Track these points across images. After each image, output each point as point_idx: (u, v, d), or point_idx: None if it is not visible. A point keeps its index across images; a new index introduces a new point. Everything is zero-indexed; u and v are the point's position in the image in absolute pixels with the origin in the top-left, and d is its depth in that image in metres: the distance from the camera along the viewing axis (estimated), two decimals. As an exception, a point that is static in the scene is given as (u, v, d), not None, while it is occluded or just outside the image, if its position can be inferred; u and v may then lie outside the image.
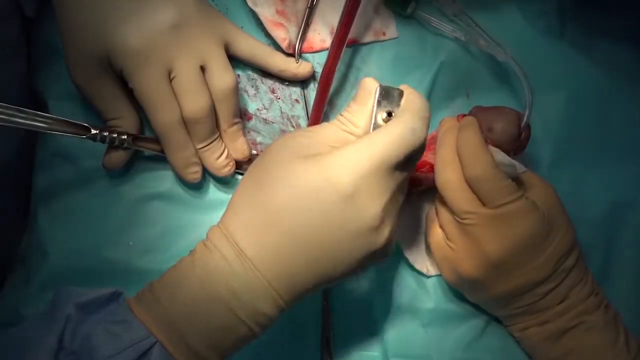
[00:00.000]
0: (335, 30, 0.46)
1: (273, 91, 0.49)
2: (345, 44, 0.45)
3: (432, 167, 0.45)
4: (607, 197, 0.51)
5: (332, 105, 0.50)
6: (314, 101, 0.46)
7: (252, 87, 0.49)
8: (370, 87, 0.38)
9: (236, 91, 0.45)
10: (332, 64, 0.45)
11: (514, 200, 0.41)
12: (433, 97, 0.51)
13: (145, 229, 0.46)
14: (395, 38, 0.51)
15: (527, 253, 0.42)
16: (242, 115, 0.48)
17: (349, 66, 0.50)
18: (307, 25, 0.50)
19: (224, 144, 0.46)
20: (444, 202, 0.44)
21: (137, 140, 0.45)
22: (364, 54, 0.50)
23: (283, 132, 0.49)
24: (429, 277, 0.48)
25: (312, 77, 0.49)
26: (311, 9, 0.49)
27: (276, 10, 0.49)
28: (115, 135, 0.43)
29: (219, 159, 0.45)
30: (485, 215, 0.41)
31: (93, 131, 0.43)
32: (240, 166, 0.47)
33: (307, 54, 0.50)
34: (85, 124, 0.42)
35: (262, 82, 0.49)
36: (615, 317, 0.44)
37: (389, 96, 0.37)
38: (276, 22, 0.48)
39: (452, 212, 0.43)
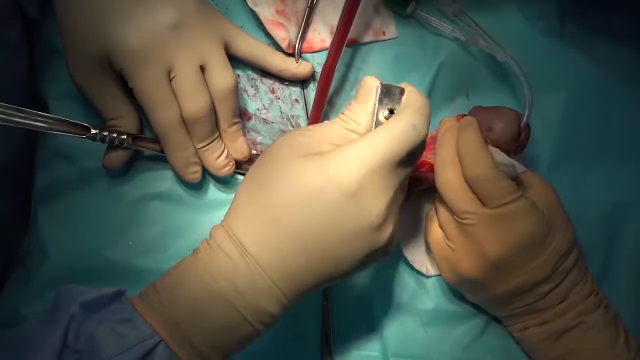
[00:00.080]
0: (335, 30, 0.46)
1: (273, 91, 0.49)
2: (345, 43, 0.45)
3: (431, 167, 0.45)
4: (607, 197, 0.51)
5: (332, 105, 0.50)
6: (314, 101, 0.46)
7: (252, 87, 0.49)
8: (371, 85, 0.38)
9: (236, 91, 0.45)
10: (331, 63, 0.45)
11: (513, 200, 0.41)
12: (433, 97, 0.51)
13: (145, 229, 0.46)
14: (395, 38, 0.51)
15: (526, 253, 0.42)
16: (241, 115, 0.48)
17: (349, 66, 0.50)
18: (307, 25, 0.50)
19: (223, 144, 0.46)
20: (443, 202, 0.44)
21: (137, 140, 0.45)
22: (363, 54, 0.51)
23: (283, 132, 0.49)
24: (428, 277, 0.48)
25: (312, 76, 0.49)
26: (311, 9, 0.49)
27: (276, 10, 0.49)
28: (115, 135, 0.43)
29: (219, 158, 0.45)
30: (485, 215, 0.41)
31: (93, 131, 0.43)
32: (240, 166, 0.47)
33: (307, 54, 0.50)
34: (85, 124, 0.42)
35: (262, 82, 0.49)
36: (615, 317, 0.44)
37: (390, 94, 0.38)
38: (276, 21, 0.48)
39: (452, 212, 0.43)
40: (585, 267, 0.45)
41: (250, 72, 0.49)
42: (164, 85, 0.42)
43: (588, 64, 0.53)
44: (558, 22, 0.53)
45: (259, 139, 0.49)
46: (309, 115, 0.48)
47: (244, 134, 0.47)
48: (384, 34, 0.51)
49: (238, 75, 0.49)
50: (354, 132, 0.37)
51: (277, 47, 0.49)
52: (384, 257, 0.37)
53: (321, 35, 0.50)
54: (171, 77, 0.42)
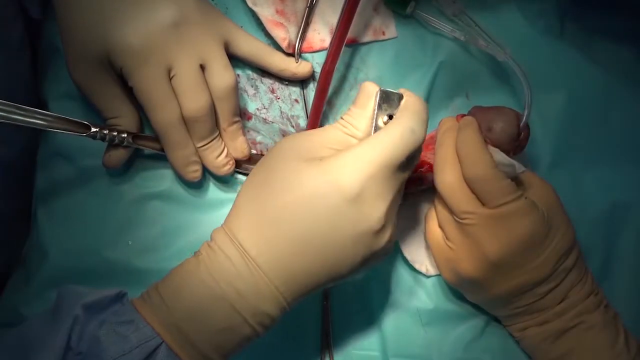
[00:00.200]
0: (334, 30, 0.46)
1: (273, 91, 0.49)
2: (345, 43, 0.45)
3: (431, 167, 0.45)
4: (607, 197, 0.51)
5: (331, 105, 0.50)
6: (313, 101, 0.46)
7: (252, 86, 0.49)
8: (370, 91, 0.39)
9: (236, 90, 0.45)
10: (331, 63, 0.45)
11: (513, 200, 0.41)
12: (432, 97, 0.51)
13: (145, 229, 0.46)
14: (394, 38, 0.51)
15: (526, 253, 0.42)
16: (241, 114, 0.48)
17: (348, 66, 0.50)
18: (306, 24, 0.50)
19: (223, 143, 0.46)
20: (443, 202, 0.44)
21: (137, 138, 0.45)
22: (363, 54, 0.51)
23: (283, 131, 0.49)
24: (428, 277, 0.48)
25: (311, 76, 0.49)
26: (311, 9, 0.50)
27: (276, 10, 0.49)
28: (115, 133, 0.44)
29: (219, 157, 0.45)
30: (484, 215, 0.41)
31: (93, 129, 0.43)
32: (240, 165, 0.47)
33: (307, 54, 0.50)
34: (85, 122, 0.42)
35: (262, 82, 0.49)
36: (615, 317, 0.44)
37: (389, 99, 0.38)
38: (276, 21, 0.48)
39: (452, 212, 0.43)
40: (585, 267, 0.45)
41: (250, 72, 0.49)
42: (164, 84, 0.42)
43: (588, 64, 0.53)
44: (558, 22, 0.53)
45: (258, 138, 0.49)
46: (308, 115, 0.48)
47: (244, 133, 0.47)
48: (383, 33, 0.51)
49: (238, 75, 0.49)
50: (353, 136, 0.38)
51: (277, 47, 0.49)
52: (383, 259, 0.38)
53: (321, 35, 0.50)
54: (171, 76, 0.43)
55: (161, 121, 0.43)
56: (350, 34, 0.46)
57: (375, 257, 0.37)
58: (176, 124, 0.43)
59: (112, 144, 0.44)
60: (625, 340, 0.43)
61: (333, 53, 0.44)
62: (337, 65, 0.45)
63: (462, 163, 0.42)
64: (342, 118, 0.39)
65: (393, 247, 0.38)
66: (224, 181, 0.48)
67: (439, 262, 0.46)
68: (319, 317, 0.47)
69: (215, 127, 0.45)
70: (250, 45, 0.47)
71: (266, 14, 0.48)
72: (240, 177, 0.48)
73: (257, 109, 0.49)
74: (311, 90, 0.50)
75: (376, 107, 0.38)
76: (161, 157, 0.46)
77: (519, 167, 0.42)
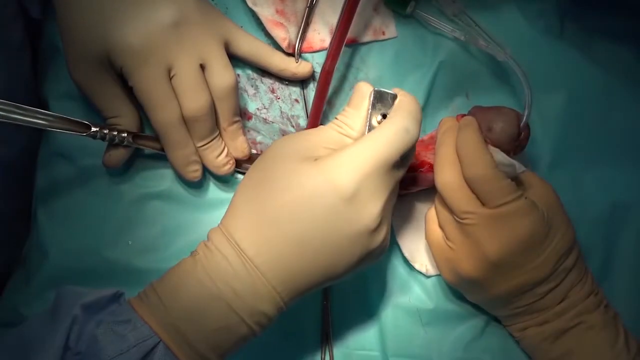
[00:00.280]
0: (334, 30, 0.46)
1: (273, 91, 0.50)
2: (345, 43, 0.45)
3: (431, 167, 0.45)
4: (607, 197, 0.51)
5: (331, 105, 0.50)
6: (313, 100, 0.46)
7: (252, 86, 0.49)
8: (364, 91, 0.39)
9: (236, 90, 0.45)
10: (331, 62, 0.45)
11: (513, 200, 0.41)
12: (432, 97, 0.51)
13: (145, 228, 0.46)
14: (394, 37, 0.51)
15: (526, 253, 0.42)
16: (242, 114, 0.48)
17: (348, 66, 0.50)
18: (306, 24, 0.50)
19: (223, 143, 0.46)
20: (443, 202, 0.44)
21: (137, 138, 0.45)
22: (363, 54, 0.51)
23: (283, 131, 0.49)
24: (428, 277, 0.48)
25: (311, 76, 0.49)
26: (311, 9, 0.50)
27: (276, 10, 0.49)
28: (115, 133, 0.44)
29: (219, 157, 0.45)
30: (484, 215, 0.41)
31: (93, 129, 0.43)
32: (240, 165, 0.47)
33: (307, 54, 0.50)
34: (85, 122, 0.42)
35: (262, 82, 0.49)
36: (615, 317, 0.44)
37: (382, 99, 0.39)
38: (276, 21, 0.48)
39: (452, 212, 0.43)
40: (585, 267, 0.45)
41: (250, 72, 0.49)
42: (164, 83, 0.42)
43: (588, 64, 0.53)
44: (558, 22, 0.53)
45: (259, 138, 0.49)
46: (308, 115, 0.48)
47: (244, 133, 0.47)
48: (383, 33, 0.51)
49: (238, 75, 0.49)
50: (348, 136, 0.38)
51: (277, 47, 0.49)
52: (379, 258, 0.38)
53: (321, 35, 0.50)
54: (171, 75, 0.43)
55: (161, 121, 0.43)
56: (350, 34, 0.46)
57: (371, 256, 0.37)
58: (176, 123, 0.43)
59: (112, 144, 0.44)
60: (625, 340, 0.43)
61: (333, 53, 0.44)
62: (337, 65, 0.45)
63: (462, 163, 0.42)
64: (336, 118, 0.39)
65: (388, 246, 0.39)
66: (224, 181, 0.48)
67: (439, 262, 0.46)
68: (319, 317, 0.47)
69: (215, 127, 0.45)
70: (251, 45, 0.47)
71: (266, 14, 0.48)
72: (240, 176, 0.48)
73: (257, 108, 0.49)
74: (311, 90, 0.50)
75: (370, 107, 0.39)
76: (161, 157, 0.46)
77: (519, 167, 0.42)
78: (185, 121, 0.43)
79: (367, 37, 0.50)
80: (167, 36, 0.42)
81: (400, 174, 0.38)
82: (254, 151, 0.48)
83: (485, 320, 0.48)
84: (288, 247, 0.35)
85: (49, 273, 0.46)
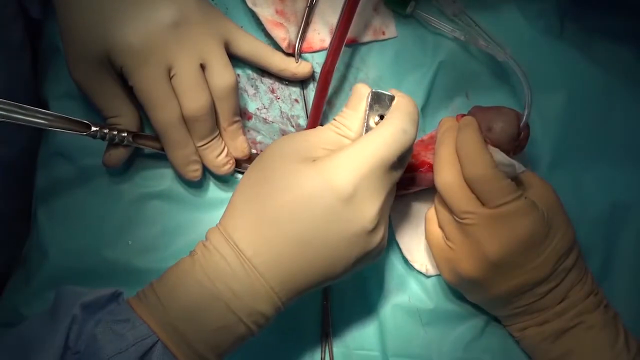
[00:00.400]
0: (334, 30, 0.46)
1: (273, 91, 0.50)
2: (345, 43, 0.45)
3: (431, 167, 0.45)
4: (607, 197, 0.51)
5: (331, 105, 0.50)
6: (313, 101, 0.46)
7: (252, 86, 0.49)
8: (362, 93, 0.39)
9: (236, 89, 0.45)
10: (331, 62, 0.45)
11: (513, 200, 0.41)
12: (432, 97, 0.51)
13: (145, 228, 0.46)
14: (394, 37, 0.51)
15: (526, 253, 0.42)
16: (242, 114, 0.48)
17: (348, 66, 0.50)
18: (306, 24, 0.50)
19: (223, 142, 0.46)
20: (443, 202, 0.44)
21: (137, 137, 0.45)
22: (363, 54, 0.51)
23: (283, 131, 0.49)
24: (428, 277, 0.48)
25: (311, 76, 0.49)
26: (310, 9, 0.50)
27: (275, 10, 0.49)
28: (115, 132, 0.43)
29: (219, 157, 0.45)
30: (484, 215, 0.41)
31: (93, 128, 0.43)
32: (240, 165, 0.47)
33: (307, 54, 0.50)
34: (86, 121, 0.42)
35: (262, 82, 0.49)
36: (615, 317, 0.44)
37: (380, 100, 0.39)
38: (276, 22, 0.48)
39: (452, 212, 0.43)
40: (585, 267, 0.45)
41: (250, 72, 0.49)
42: (164, 83, 0.42)
43: (588, 64, 0.53)
44: (558, 22, 0.53)
45: (259, 138, 0.49)
46: (308, 115, 0.48)
47: (244, 133, 0.47)
48: (383, 33, 0.51)
49: (238, 75, 0.49)
50: (346, 137, 0.39)
51: (277, 47, 0.49)
52: (377, 258, 0.38)
53: (321, 35, 0.50)
54: (171, 75, 0.43)
55: (161, 120, 0.43)
56: (350, 34, 0.46)
57: (369, 256, 0.37)
58: (176, 123, 0.43)
59: (112, 143, 0.44)
60: (625, 340, 0.43)
61: (333, 53, 0.45)
62: (337, 65, 0.45)
63: (462, 163, 0.42)
64: (334, 119, 0.40)
65: (385, 246, 0.39)
66: (224, 180, 0.48)
67: (439, 262, 0.46)
68: (318, 317, 0.47)
69: (215, 127, 0.45)
70: (251, 45, 0.47)
71: (266, 14, 0.48)
72: (240, 176, 0.48)
73: (257, 108, 0.49)
74: (311, 90, 0.50)
75: (367, 108, 0.39)
76: (161, 157, 0.46)
77: (519, 167, 0.42)
78: (186, 121, 0.43)
79: (367, 37, 0.50)
80: (167, 36, 0.42)
81: (397, 174, 0.38)
82: (254, 151, 0.48)
83: (485, 320, 0.48)
84: (286, 247, 0.35)
85: (49, 273, 0.46)
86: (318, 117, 0.46)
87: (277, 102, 0.49)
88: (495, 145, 0.44)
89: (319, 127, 0.40)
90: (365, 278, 0.47)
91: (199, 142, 0.44)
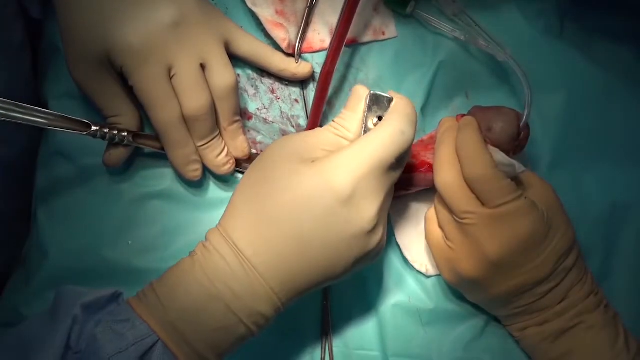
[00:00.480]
0: (334, 30, 0.46)
1: (273, 91, 0.50)
2: (345, 43, 0.45)
3: (431, 167, 0.45)
4: (607, 197, 0.51)
5: (331, 106, 0.50)
6: (313, 101, 0.46)
7: (252, 86, 0.49)
8: (360, 94, 0.40)
9: (236, 89, 0.45)
10: (331, 63, 0.45)
11: (513, 200, 0.41)
12: (432, 97, 0.51)
13: (145, 228, 0.46)
14: (394, 37, 0.51)
15: (526, 253, 0.41)
16: (242, 114, 0.48)
17: (348, 66, 0.50)
18: (306, 25, 0.50)
19: (224, 142, 0.46)
20: (443, 202, 0.44)
21: (137, 137, 0.45)
22: (363, 54, 0.51)
23: (283, 131, 0.49)
24: (428, 277, 0.48)
25: (311, 77, 0.49)
26: (310, 9, 0.50)
27: (275, 11, 0.49)
28: (115, 132, 0.44)
29: (219, 156, 0.45)
30: (484, 215, 0.41)
31: (93, 128, 0.43)
32: (240, 164, 0.47)
33: (307, 54, 0.50)
34: (86, 120, 0.42)
35: (262, 82, 0.49)
36: (615, 317, 0.44)
37: (378, 102, 0.39)
38: (276, 22, 0.48)
39: (451, 212, 0.43)
40: (585, 267, 0.45)
41: (250, 72, 0.49)
42: (164, 83, 0.42)
43: (588, 64, 0.53)
44: (558, 22, 0.53)
45: (259, 138, 0.49)
46: (308, 115, 0.48)
47: (245, 133, 0.47)
48: (383, 33, 0.51)
49: (238, 75, 0.49)
50: (345, 138, 0.39)
51: (277, 47, 0.49)
52: (375, 260, 0.39)
53: (321, 35, 0.50)
54: (171, 75, 0.43)
55: (161, 120, 0.43)
56: (350, 34, 0.46)
57: (368, 257, 0.37)
58: (176, 123, 0.43)
59: (113, 143, 0.44)
60: (625, 340, 0.43)
61: (333, 53, 0.45)
62: (337, 66, 0.45)
63: (462, 163, 0.42)
64: (333, 121, 0.40)
65: (384, 246, 0.39)
66: (224, 180, 0.48)
67: (439, 262, 0.46)
68: (318, 317, 0.47)
69: (215, 127, 0.45)
70: (251, 45, 0.47)
71: (266, 14, 0.48)
72: (240, 176, 0.48)
73: (258, 108, 0.49)
74: (311, 90, 0.50)
75: (366, 109, 0.39)
76: (161, 156, 0.46)
77: (519, 167, 0.42)
78: (186, 121, 0.43)
79: (367, 37, 0.51)
80: (167, 36, 0.42)
81: (396, 175, 0.38)
82: (254, 151, 0.48)
83: (485, 320, 0.48)
84: (286, 247, 0.35)
85: (49, 273, 0.46)
86: (318, 117, 0.46)
87: (277, 102, 0.49)
88: (495, 145, 0.44)
89: (317, 129, 0.40)
90: (365, 278, 0.47)
91: (199, 141, 0.44)
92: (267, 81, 0.49)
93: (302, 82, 0.50)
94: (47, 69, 0.49)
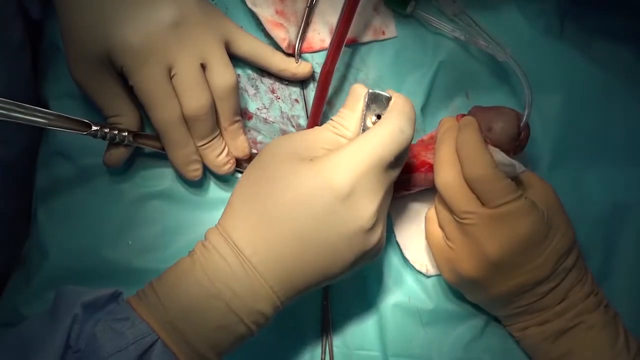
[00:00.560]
0: (334, 30, 0.46)
1: (273, 91, 0.50)
2: (345, 43, 0.45)
3: (431, 167, 0.45)
4: (607, 197, 0.51)
5: (331, 105, 0.50)
6: (313, 101, 0.46)
7: (252, 86, 0.49)
8: (359, 93, 0.40)
9: (237, 89, 0.45)
10: (331, 63, 0.45)
11: (513, 200, 0.41)
12: (432, 97, 0.51)
13: (145, 228, 0.46)
14: (394, 37, 0.51)
15: (526, 253, 0.41)
16: (242, 114, 0.48)
17: (348, 66, 0.50)
18: (306, 25, 0.50)
19: (224, 142, 0.46)
20: (443, 202, 0.44)
21: (138, 137, 0.45)
22: (363, 54, 0.51)
23: (283, 131, 0.49)
24: (428, 277, 0.48)
25: (311, 77, 0.49)
26: (310, 9, 0.50)
27: (275, 11, 0.49)
28: (115, 132, 0.43)
29: (220, 156, 0.45)
30: (484, 215, 0.41)
31: (94, 128, 0.43)
32: (241, 164, 0.47)
33: (307, 54, 0.50)
34: (86, 120, 0.42)
35: (262, 82, 0.49)
36: (615, 317, 0.44)
37: (377, 100, 0.39)
38: (276, 22, 0.48)
39: (452, 211, 0.43)
40: (585, 267, 0.45)
41: (250, 72, 0.49)
42: (164, 83, 0.42)
43: (588, 64, 0.53)
44: (558, 22, 0.53)
45: (259, 138, 0.49)
46: (308, 115, 0.48)
47: (245, 133, 0.47)
48: (383, 33, 0.51)
49: (238, 74, 0.49)
50: (343, 137, 0.39)
51: (277, 47, 0.49)
52: (374, 258, 0.39)
53: (321, 35, 0.50)
54: (172, 75, 0.43)
55: (162, 120, 0.43)
56: (350, 34, 0.46)
57: (367, 255, 0.37)
58: (177, 122, 0.43)
59: (113, 143, 0.44)
60: (625, 340, 0.43)
61: (333, 53, 0.45)
62: (337, 65, 0.45)
63: (462, 163, 0.42)
64: (332, 119, 0.40)
65: (384, 245, 0.39)
66: (225, 180, 0.48)
67: (439, 262, 0.46)
68: (318, 316, 0.47)
69: (215, 126, 0.45)
70: (251, 45, 0.47)
71: (266, 14, 0.48)
72: (240, 176, 0.48)
73: (258, 108, 0.49)
74: (311, 90, 0.50)
75: (365, 108, 0.39)
76: (162, 156, 0.46)
77: (519, 167, 0.42)
78: (186, 120, 0.43)
79: (367, 37, 0.51)
80: (167, 36, 0.42)
81: (395, 174, 0.38)
82: (254, 151, 0.48)
83: (485, 320, 0.48)
84: (286, 246, 0.35)
85: (49, 273, 0.46)
86: (318, 117, 0.46)
87: (278, 102, 0.49)
88: (495, 145, 0.44)
89: (316, 127, 0.40)
90: (365, 278, 0.47)
91: (199, 141, 0.44)
92: (267, 81, 0.50)
93: (302, 82, 0.50)
94: (47, 69, 0.49)
